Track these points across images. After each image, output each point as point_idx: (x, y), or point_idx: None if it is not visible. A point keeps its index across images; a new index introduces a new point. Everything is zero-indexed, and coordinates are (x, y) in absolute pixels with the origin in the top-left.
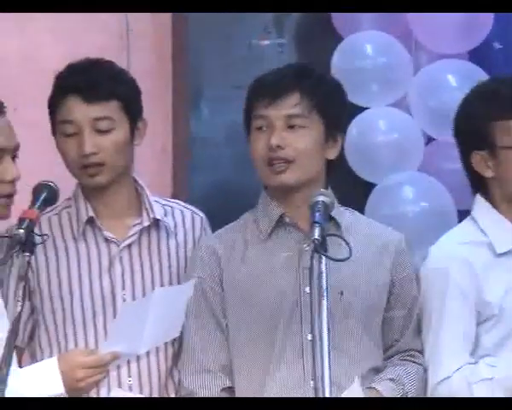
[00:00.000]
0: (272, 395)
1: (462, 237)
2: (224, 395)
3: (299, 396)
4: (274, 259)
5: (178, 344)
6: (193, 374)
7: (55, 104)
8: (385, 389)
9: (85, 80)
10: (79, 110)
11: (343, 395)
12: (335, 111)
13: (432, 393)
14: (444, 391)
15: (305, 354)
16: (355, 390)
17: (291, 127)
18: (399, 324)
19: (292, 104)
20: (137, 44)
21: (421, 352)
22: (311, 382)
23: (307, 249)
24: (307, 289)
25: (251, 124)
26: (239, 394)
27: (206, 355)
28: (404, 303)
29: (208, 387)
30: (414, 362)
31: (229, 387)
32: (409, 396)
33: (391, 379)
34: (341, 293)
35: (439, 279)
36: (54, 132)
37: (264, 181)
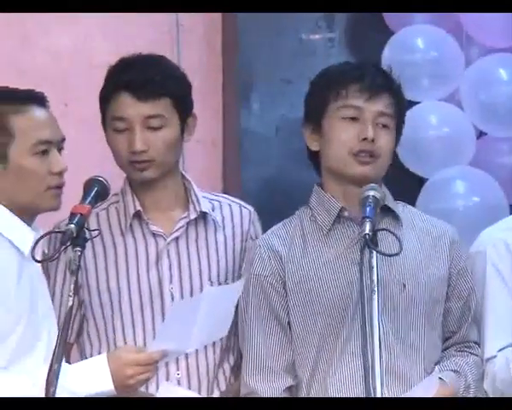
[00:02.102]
0: (334, 392)
1: (504, 225)
2: (287, 394)
3: (361, 394)
4: (335, 254)
5: (226, 339)
6: (255, 373)
7: (106, 99)
8: (449, 379)
9: (138, 77)
10: (131, 107)
11: (424, 381)
12: (403, 122)
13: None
14: (490, 370)
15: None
16: (433, 380)
17: (380, 125)
18: (456, 315)
19: (386, 103)
20: (187, 39)
21: (478, 343)
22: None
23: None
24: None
25: (326, 110)
26: (301, 390)
27: (269, 354)
28: (460, 295)
29: (271, 386)
30: (471, 353)
31: (290, 386)
32: (471, 388)
33: (454, 370)
34: (404, 286)
35: (478, 262)
36: (104, 126)
37: (343, 170)
